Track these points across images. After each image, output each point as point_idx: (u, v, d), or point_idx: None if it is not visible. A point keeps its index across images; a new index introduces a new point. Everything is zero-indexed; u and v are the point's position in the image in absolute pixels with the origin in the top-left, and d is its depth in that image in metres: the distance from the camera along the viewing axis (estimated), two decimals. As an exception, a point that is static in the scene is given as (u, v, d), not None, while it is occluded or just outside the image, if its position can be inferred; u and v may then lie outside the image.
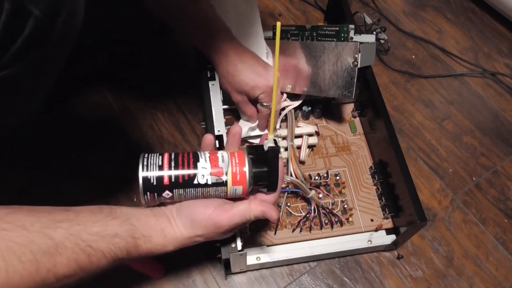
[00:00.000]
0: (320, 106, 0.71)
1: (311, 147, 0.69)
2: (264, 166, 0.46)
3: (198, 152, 0.46)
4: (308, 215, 0.62)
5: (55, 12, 0.37)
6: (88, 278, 0.40)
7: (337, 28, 0.61)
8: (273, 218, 0.46)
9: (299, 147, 0.67)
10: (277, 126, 0.68)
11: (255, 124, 0.67)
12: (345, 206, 0.64)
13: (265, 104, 0.63)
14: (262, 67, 0.62)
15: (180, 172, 0.44)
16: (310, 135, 0.68)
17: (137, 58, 0.81)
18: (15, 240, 0.34)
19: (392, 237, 0.62)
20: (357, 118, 0.73)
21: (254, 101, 0.64)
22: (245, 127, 0.67)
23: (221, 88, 0.66)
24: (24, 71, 0.39)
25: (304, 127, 0.69)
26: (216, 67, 0.64)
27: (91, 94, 0.77)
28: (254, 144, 0.68)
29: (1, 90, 0.39)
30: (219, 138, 0.61)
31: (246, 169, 0.45)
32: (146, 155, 0.46)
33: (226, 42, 0.61)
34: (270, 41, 0.69)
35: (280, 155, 0.48)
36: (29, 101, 0.45)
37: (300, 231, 0.62)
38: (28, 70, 0.39)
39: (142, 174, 0.44)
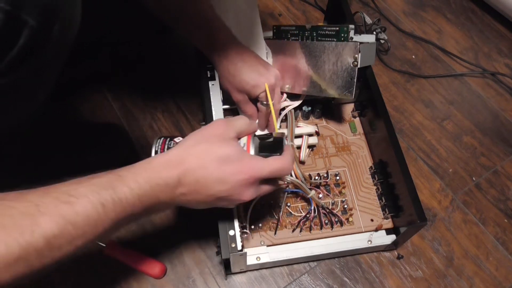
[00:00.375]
0: (320, 106, 0.71)
1: (311, 147, 0.69)
2: (268, 150, 0.49)
3: None
4: (308, 215, 0.62)
5: (50, 21, 0.37)
6: (85, 243, 0.36)
7: (337, 28, 0.61)
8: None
9: (299, 147, 0.67)
10: (277, 126, 0.68)
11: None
12: (345, 206, 0.64)
13: (265, 103, 0.63)
14: (263, 66, 0.62)
15: None
16: (310, 135, 0.68)
17: (137, 59, 0.81)
18: None
19: (392, 237, 0.62)
20: (357, 118, 0.73)
21: (254, 101, 0.64)
22: None
23: (221, 88, 0.66)
24: (21, 78, 0.39)
25: (304, 127, 0.69)
26: (216, 66, 0.64)
27: (91, 94, 0.77)
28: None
29: (2, 97, 0.39)
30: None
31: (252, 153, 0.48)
32: (159, 140, 0.48)
33: (226, 41, 0.61)
34: (270, 41, 0.69)
35: (288, 143, 0.50)
36: (26, 106, 0.45)
37: (300, 231, 0.62)
38: (25, 77, 0.39)
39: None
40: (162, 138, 0.52)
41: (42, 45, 0.38)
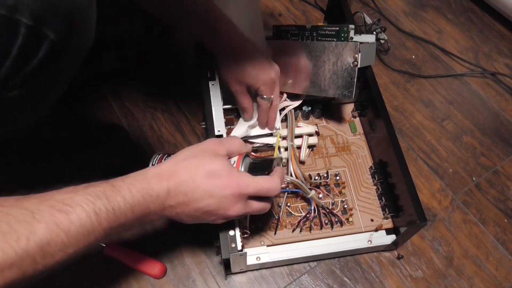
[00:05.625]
0: (320, 106, 0.71)
1: (311, 147, 0.69)
2: (257, 170, 0.50)
3: None
4: (308, 215, 0.62)
5: (69, 35, 0.38)
6: (77, 251, 0.37)
7: (337, 28, 0.61)
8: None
9: (299, 147, 0.67)
10: (277, 126, 0.68)
11: (254, 122, 0.66)
12: (345, 206, 0.64)
13: (265, 96, 0.62)
14: (265, 58, 0.61)
15: None
16: (310, 135, 0.68)
17: (137, 59, 0.81)
18: None
19: (392, 237, 0.62)
20: (357, 118, 0.73)
21: (252, 95, 0.64)
22: (244, 126, 0.67)
23: (221, 89, 0.66)
24: (35, 89, 0.40)
25: (304, 127, 0.69)
26: (218, 56, 0.62)
27: (92, 94, 0.77)
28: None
29: (11, 107, 0.40)
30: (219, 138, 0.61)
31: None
32: (158, 156, 0.49)
33: (227, 31, 0.59)
34: (270, 41, 0.69)
35: (278, 165, 0.50)
36: (36, 113, 0.46)
37: (300, 231, 0.62)
38: (39, 88, 0.40)
39: None
40: (160, 154, 0.54)
41: (59, 58, 0.39)
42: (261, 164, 0.52)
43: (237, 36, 0.60)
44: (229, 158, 0.50)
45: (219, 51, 0.61)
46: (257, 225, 0.62)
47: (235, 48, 0.60)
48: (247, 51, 0.60)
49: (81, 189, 0.39)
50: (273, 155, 0.66)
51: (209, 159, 0.47)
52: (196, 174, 0.45)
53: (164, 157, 0.54)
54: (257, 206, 0.49)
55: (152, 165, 0.53)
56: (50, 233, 0.34)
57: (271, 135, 0.67)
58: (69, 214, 0.36)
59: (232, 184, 0.46)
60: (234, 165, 0.50)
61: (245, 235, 0.59)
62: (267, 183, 0.48)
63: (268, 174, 0.50)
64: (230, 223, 0.53)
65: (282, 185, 0.63)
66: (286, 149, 0.66)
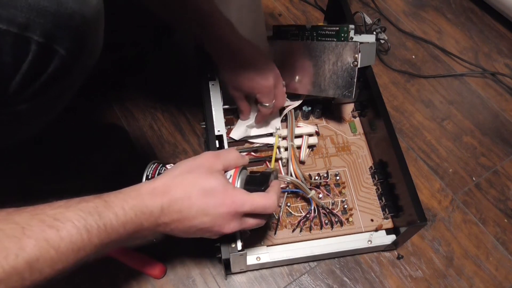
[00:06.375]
0: (320, 106, 0.71)
1: (311, 147, 0.69)
2: (253, 184, 0.50)
3: None
4: (308, 215, 0.62)
5: (79, 50, 0.38)
6: (65, 268, 0.36)
7: (337, 28, 0.61)
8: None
9: (299, 147, 0.67)
10: (277, 126, 0.68)
11: (252, 122, 0.67)
12: (345, 206, 0.64)
13: (266, 104, 0.62)
14: (263, 63, 0.60)
15: None
16: (310, 135, 0.68)
17: (138, 59, 0.81)
18: None
19: (392, 237, 0.62)
20: (357, 118, 0.73)
21: (252, 98, 0.64)
22: (243, 127, 0.67)
23: (221, 89, 0.66)
24: (43, 103, 0.40)
25: (304, 127, 0.69)
26: (216, 61, 0.62)
27: (92, 94, 0.77)
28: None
29: (19, 119, 0.41)
30: (219, 138, 0.61)
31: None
32: (153, 165, 0.49)
33: (226, 37, 0.59)
34: (270, 41, 0.69)
35: (275, 179, 0.52)
36: (43, 122, 0.47)
37: (300, 231, 0.62)
38: (47, 101, 0.41)
39: None
40: (155, 164, 0.53)
41: (69, 72, 0.39)
42: (258, 178, 0.51)
43: (237, 41, 0.60)
44: (225, 171, 0.50)
45: (218, 56, 0.62)
46: (257, 225, 0.62)
47: (234, 53, 0.59)
48: (245, 57, 0.59)
49: (73, 204, 0.38)
50: (273, 155, 0.66)
51: (205, 176, 0.46)
52: (191, 192, 0.44)
53: (159, 167, 0.53)
54: (252, 223, 0.48)
55: (147, 175, 0.53)
56: (40, 250, 0.34)
57: (271, 135, 0.68)
58: (60, 230, 0.35)
59: (227, 202, 0.45)
60: (231, 179, 0.49)
61: (245, 235, 0.59)
62: (263, 201, 0.47)
63: (264, 189, 0.49)
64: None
65: (282, 185, 0.64)
66: (286, 149, 0.66)
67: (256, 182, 0.50)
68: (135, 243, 0.62)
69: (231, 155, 0.50)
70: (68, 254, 0.36)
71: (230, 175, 0.49)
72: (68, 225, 0.36)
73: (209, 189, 0.45)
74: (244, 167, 0.52)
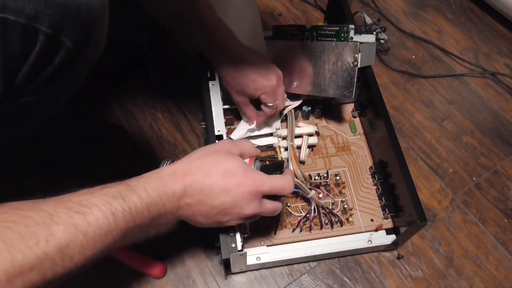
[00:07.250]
0: (320, 106, 0.71)
1: (311, 147, 0.69)
2: (269, 171, 0.52)
3: None
4: (308, 215, 0.62)
5: (85, 42, 0.38)
6: (95, 254, 0.37)
7: (337, 28, 0.61)
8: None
9: (299, 147, 0.67)
10: (277, 126, 0.68)
11: (253, 126, 0.67)
12: (345, 206, 0.64)
13: (270, 104, 0.62)
14: (263, 66, 0.61)
15: None
16: (310, 135, 0.68)
17: (138, 59, 0.81)
18: (9, 219, 0.33)
19: (392, 237, 0.62)
20: (357, 118, 0.73)
21: (256, 101, 0.64)
22: (244, 130, 0.67)
23: (221, 89, 0.66)
24: (48, 95, 0.40)
25: (304, 127, 0.69)
26: (216, 67, 0.64)
27: (92, 94, 0.77)
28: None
29: (24, 112, 0.41)
30: (219, 138, 0.61)
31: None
32: (167, 162, 0.50)
33: (225, 42, 0.60)
34: (270, 41, 0.69)
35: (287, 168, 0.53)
36: (47, 116, 0.47)
37: (300, 231, 0.62)
38: (52, 94, 0.41)
39: None
40: (170, 161, 0.54)
41: (74, 64, 0.39)
42: (272, 166, 0.53)
43: (236, 46, 0.60)
44: None
45: (219, 62, 0.62)
46: (257, 225, 0.62)
47: (234, 57, 0.60)
48: (246, 60, 0.60)
49: (96, 191, 0.39)
50: (273, 155, 0.66)
51: (224, 157, 0.47)
52: (212, 172, 0.45)
53: (174, 163, 0.54)
54: (270, 206, 0.50)
55: None
56: (69, 235, 0.34)
57: (271, 135, 0.68)
58: (86, 215, 0.36)
59: (248, 182, 0.46)
60: None
61: (245, 235, 0.59)
62: (281, 181, 0.49)
63: (280, 174, 0.51)
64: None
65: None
66: (286, 149, 0.66)
67: (271, 168, 0.52)
68: (158, 230, 0.62)
69: (246, 144, 0.52)
70: (96, 239, 0.36)
71: (246, 163, 0.50)
72: (94, 210, 0.37)
73: (229, 169, 0.46)
74: (256, 158, 0.53)
